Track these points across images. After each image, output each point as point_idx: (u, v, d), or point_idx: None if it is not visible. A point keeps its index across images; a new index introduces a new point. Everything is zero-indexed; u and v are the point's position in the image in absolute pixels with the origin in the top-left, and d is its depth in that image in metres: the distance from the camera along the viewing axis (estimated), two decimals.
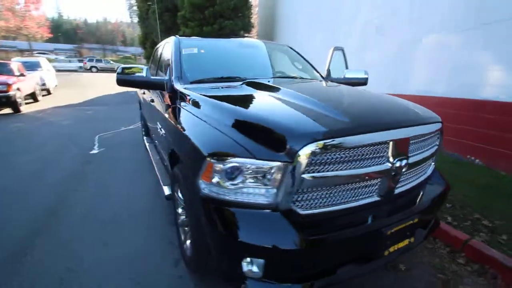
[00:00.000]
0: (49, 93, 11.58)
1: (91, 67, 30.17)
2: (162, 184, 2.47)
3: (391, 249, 1.51)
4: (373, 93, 2.00)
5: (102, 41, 58.34)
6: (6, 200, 2.95)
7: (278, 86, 1.95)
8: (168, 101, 2.29)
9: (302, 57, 3.28)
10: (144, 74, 2.28)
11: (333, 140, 1.24)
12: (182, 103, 1.98)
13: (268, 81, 2.29)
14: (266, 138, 1.29)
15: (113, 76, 2.40)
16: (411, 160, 1.50)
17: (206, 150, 1.36)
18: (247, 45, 3.17)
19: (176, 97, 2.13)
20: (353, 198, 1.40)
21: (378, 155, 1.38)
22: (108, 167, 3.93)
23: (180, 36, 2.81)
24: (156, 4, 13.82)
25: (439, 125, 1.70)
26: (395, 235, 1.48)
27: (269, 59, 2.97)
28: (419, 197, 1.66)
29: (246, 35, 11.64)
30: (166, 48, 2.95)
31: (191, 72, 2.35)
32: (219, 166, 1.28)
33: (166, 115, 2.24)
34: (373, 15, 5.77)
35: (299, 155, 1.20)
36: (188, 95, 1.94)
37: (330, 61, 3.37)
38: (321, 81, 2.78)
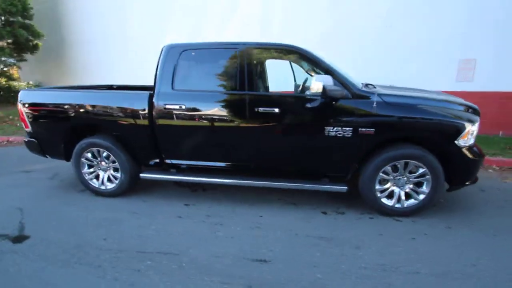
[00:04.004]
0: None
1: None
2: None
3: None
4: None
5: None
6: None
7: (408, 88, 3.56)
8: (360, 106, 2.72)
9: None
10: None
11: None
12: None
13: (391, 85, 3.62)
14: (471, 112, 2.80)
15: None
16: None
17: (465, 123, 2.65)
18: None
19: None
20: None
21: None
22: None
23: None
24: None
25: None
26: None
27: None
28: None
29: (27, 21, 8.75)
30: (267, 55, 3.20)
31: None
32: (472, 129, 2.70)
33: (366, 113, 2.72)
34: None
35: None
36: (396, 96, 2.79)
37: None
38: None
